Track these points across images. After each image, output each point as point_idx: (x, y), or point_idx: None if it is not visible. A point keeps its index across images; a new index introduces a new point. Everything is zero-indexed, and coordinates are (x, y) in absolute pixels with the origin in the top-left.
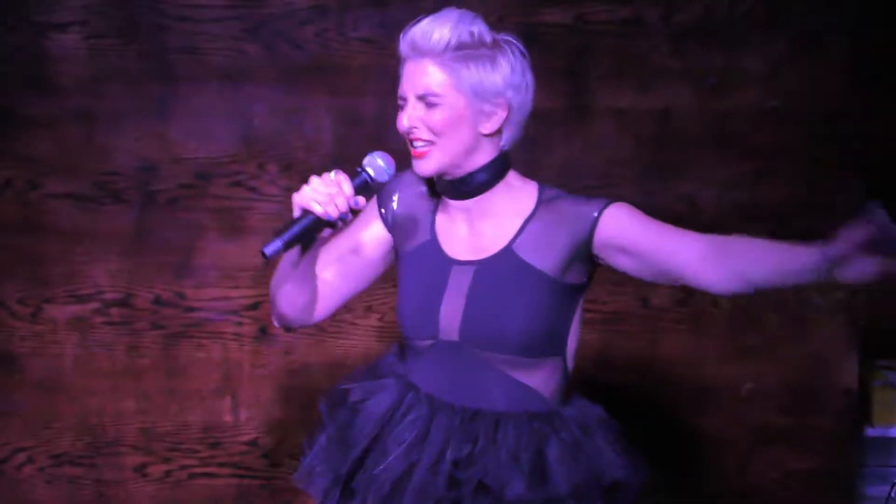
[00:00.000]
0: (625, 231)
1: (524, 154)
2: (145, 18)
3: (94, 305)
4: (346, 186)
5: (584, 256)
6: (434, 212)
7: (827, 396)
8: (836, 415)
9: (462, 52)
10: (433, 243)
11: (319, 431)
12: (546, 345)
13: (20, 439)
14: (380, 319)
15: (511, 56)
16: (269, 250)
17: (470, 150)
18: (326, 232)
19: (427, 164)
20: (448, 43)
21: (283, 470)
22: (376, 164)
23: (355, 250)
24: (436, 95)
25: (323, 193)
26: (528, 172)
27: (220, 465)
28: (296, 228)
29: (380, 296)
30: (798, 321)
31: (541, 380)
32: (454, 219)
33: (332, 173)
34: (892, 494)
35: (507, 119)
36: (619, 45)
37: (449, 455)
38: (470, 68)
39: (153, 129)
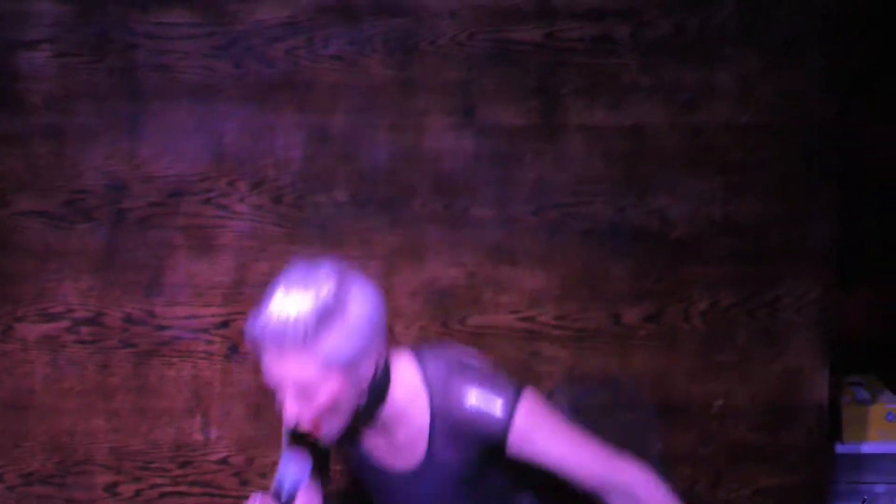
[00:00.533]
0: (534, 451)
1: (497, 170)
2: (115, 36)
3: (65, 324)
4: None
5: (500, 452)
6: (357, 436)
7: (798, 413)
8: (807, 431)
9: (319, 332)
10: (369, 460)
11: None
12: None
13: None
14: None
15: (354, 297)
16: None
17: (355, 402)
18: None
19: (330, 438)
20: (306, 331)
21: (253, 488)
22: (289, 474)
23: None
24: (313, 384)
25: None
26: (500, 190)
27: (191, 483)
28: None
29: None
30: (769, 338)
31: None
32: (373, 438)
33: (251, 498)
34: None
35: (377, 356)
36: (590, 62)
37: None
38: (334, 344)
39: (123, 147)
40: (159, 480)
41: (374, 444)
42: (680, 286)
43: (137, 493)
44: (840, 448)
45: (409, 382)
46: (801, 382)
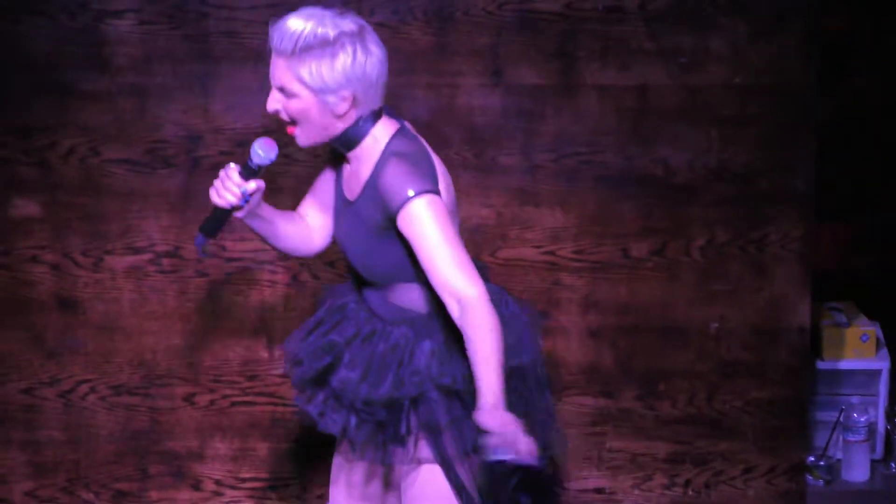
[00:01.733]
0: (411, 234)
1: (522, 124)
2: (190, 6)
3: (148, 256)
4: (235, 176)
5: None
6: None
7: (783, 334)
8: (791, 350)
9: (306, 52)
10: (339, 181)
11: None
12: (391, 274)
13: (84, 373)
14: None
15: (351, 46)
16: (197, 242)
17: (328, 127)
18: (240, 214)
19: (299, 141)
20: (295, 46)
21: None
22: (256, 152)
23: (321, 188)
24: (290, 89)
25: (219, 187)
26: (525, 141)
27: (257, 394)
28: (210, 221)
29: None
30: (758, 269)
31: (407, 299)
32: (346, 164)
33: (226, 167)
34: (841, 419)
35: (355, 100)
36: (603, 29)
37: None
38: (313, 66)
39: (197, 103)
40: (230, 391)
41: (345, 169)
42: (681, 225)
43: (212, 402)
44: (820, 364)
45: (378, 138)
46: (787, 308)
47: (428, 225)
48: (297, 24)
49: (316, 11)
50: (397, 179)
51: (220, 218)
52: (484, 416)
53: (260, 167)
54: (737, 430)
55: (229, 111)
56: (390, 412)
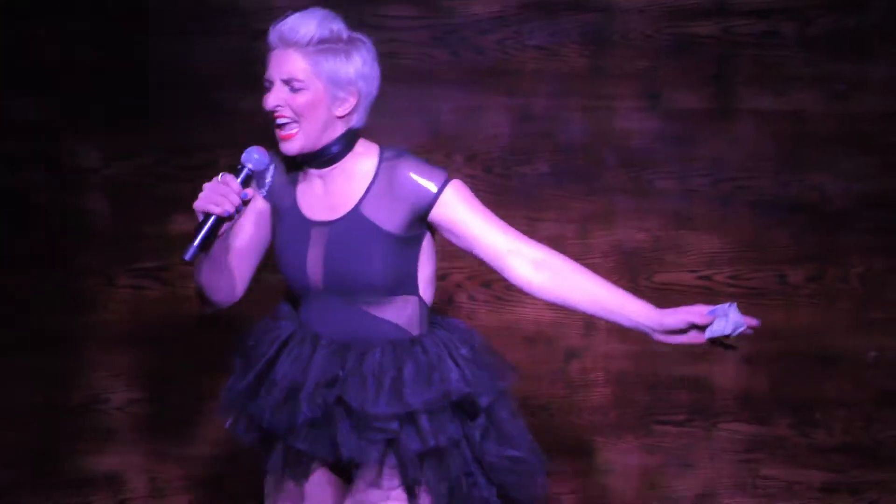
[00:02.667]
0: (456, 217)
1: (678, 148)
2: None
3: None
4: (234, 184)
5: (421, 220)
6: (296, 182)
7: None
8: None
9: (323, 45)
10: (295, 208)
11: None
12: (393, 286)
13: None
14: None
15: (363, 51)
16: (188, 255)
17: (325, 129)
18: (227, 226)
19: (292, 145)
20: (312, 37)
21: None
22: (253, 158)
23: (250, 227)
24: (299, 81)
25: (216, 195)
26: (681, 165)
27: None
28: (203, 231)
29: None
30: None
31: (394, 313)
32: (312, 184)
33: (220, 175)
34: None
35: (356, 104)
36: (760, 54)
37: (320, 379)
38: (328, 59)
39: None
40: None
41: (309, 197)
42: (838, 252)
43: None
44: None
45: (365, 148)
46: None
47: (473, 202)
48: (311, 18)
49: (325, 12)
50: (420, 175)
51: (214, 227)
52: (667, 319)
53: (252, 175)
54: (894, 460)
55: (387, 132)
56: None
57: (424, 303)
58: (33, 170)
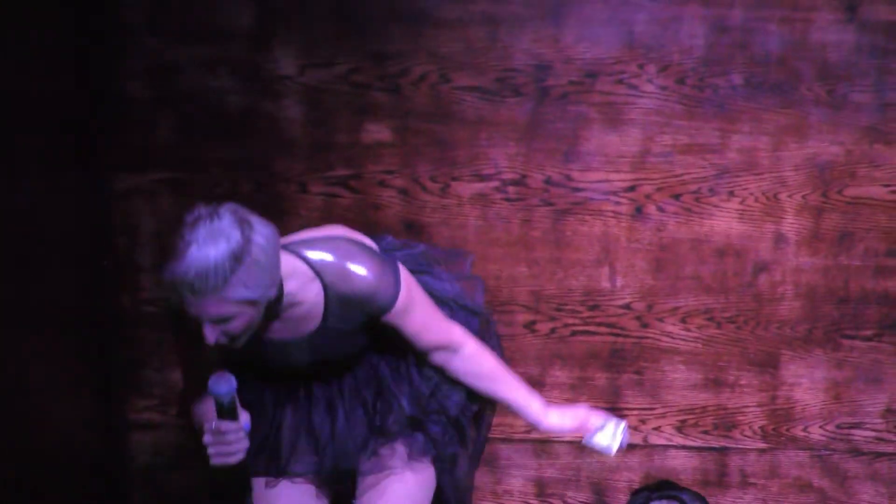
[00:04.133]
0: (399, 326)
1: (875, 60)
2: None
3: (494, 184)
4: (231, 429)
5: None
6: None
7: None
8: None
9: (233, 279)
10: (259, 344)
11: None
12: (366, 349)
13: None
14: (741, 203)
15: (263, 244)
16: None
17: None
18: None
19: (238, 345)
20: (223, 281)
21: (652, 331)
22: (223, 388)
23: None
24: (228, 315)
25: (225, 449)
26: (878, 78)
27: (598, 324)
28: (232, 478)
29: (741, 182)
30: None
31: (369, 365)
32: (269, 326)
33: (213, 427)
34: None
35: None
36: None
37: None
38: (247, 286)
39: (548, 33)
40: (571, 320)
41: (272, 329)
42: None
43: (552, 330)
44: None
45: (298, 273)
46: None
47: (412, 314)
48: (212, 257)
49: (200, 233)
50: (366, 291)
51: (240, 471)
52: (550, 422)
53: (233, 399)
54: None
55: (579, 41)
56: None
57: None
58: (229, 76)
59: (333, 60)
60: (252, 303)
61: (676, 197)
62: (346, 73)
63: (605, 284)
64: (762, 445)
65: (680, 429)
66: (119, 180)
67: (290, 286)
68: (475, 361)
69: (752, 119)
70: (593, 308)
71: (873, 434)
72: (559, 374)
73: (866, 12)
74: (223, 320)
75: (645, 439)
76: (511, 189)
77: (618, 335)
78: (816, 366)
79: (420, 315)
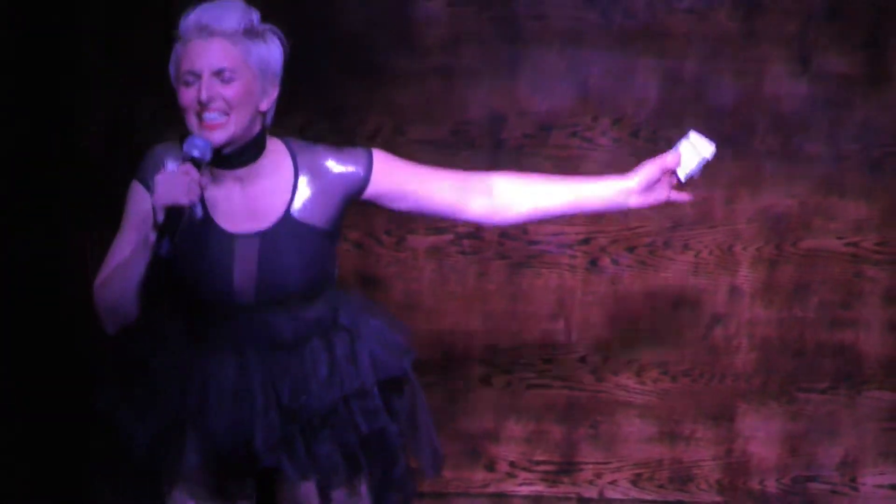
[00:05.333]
0: (392, 185)
1: (828, 113)
2: None
3: (449, 237)
4: (194, 173)
5: (351, 204)
6: (204, 189)
7: None
8: None
9: (250, 33)
10: (209, 220)
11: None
12: (324, 284)
13: None
14: (695, 255)
15: (280, 43)
16: (164, 250)
17: (251, 123)
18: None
19: (222, 134)
20: (238, 25)
21: (607, 384)
22: (198, 146)
23: (136, 235)
24: (232, 71)
25: (182, 187)
26: (831, 130)
27: (554, 377)
28: (173, 225)
29: (696, 234)
30: None
31: (320, 308)
32: (228, 191)
33: (180, 165)
34: None
35: (276, 98)
36: None
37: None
38: (258, 47)
39: (503, 86)
40: (526, 374)
41: (224, 205)
42: None
43: (508, 384)
44: None
45: (274, 147)
46: None
47: (401, 165)
48: (232, 5)
49: (243, 3)
50: (343, 162)
51: (178, 220)
52: (637, 175)
53: (200, 164)
54: None
55: (534, 94)
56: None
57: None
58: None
59: (288, 114)
60: (256, 68)
61: (631, 250)
62: (301, 125)
63: (561, 337)
64: (718, 499)
65: (636, 482)
66: (76, 237)
67: (267, 147)
68: (519, 180)
69: (706, 171)
70: (548, 361)
71: (829, 487)
72: (514, 428)
73: (819, 64)
74: (223, 79)
75: (601, 493)
76: (466, 242)
77: (573, 388)
78: (772, 418)
79: (409, 169)
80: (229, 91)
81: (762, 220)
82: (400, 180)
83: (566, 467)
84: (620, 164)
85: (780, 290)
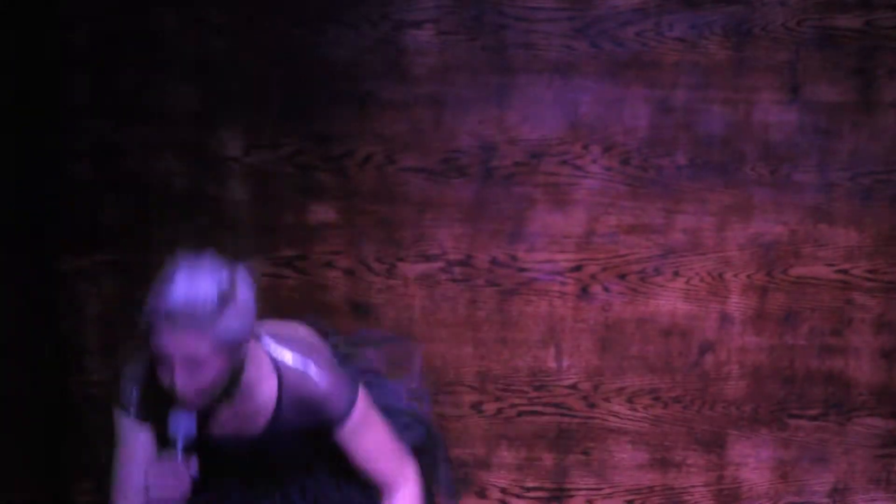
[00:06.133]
0: (350, 447)
1: (818, 141)
2: (488, 18)
3: (440, 265)
4: (182, 472)
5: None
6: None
7: None
8: None
9: (217, 315)
10: (211, 433)
11: None
12: (308, 461)
13: None
14: (686, 283)
15: (247, 294)
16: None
17: (225, 379)
18: None
19: (198, 403)
20: (208, 316)
21: (598, 410)
22: (185, 426)
23: (144, 463)
24: (204, 358)
25: (173, 487)
26: (821, 158)
27: (545, 405)
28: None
29: (687, 262)
30: None
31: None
32: (219, 410)
33: (170, 460)
34: None
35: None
36: None
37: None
38: (227, 331)
39: (493, 114)
40: (517, 401)
41: (220, 418)
42: None
43: (499, 411)
44: None
45: (259, 362)
46: None
47: (366, 434)
48: (201, 290)
49: (189, 271)
50: (322, 396)
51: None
52: None
53: (189, 441)
54: None
55: (524, 122)
56: None
57: None
58: (174, 157)
59: (279, 142)
60: (229, 350)
61: (622, 277)
62: (291, 154)
63: (552, 364)
64: None
65: None
66: (63, 262)
67: (250, 373)
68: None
69: (697, 199)
70: (540, 388)
71: None
72: (506, 455)
73: (808, 93)
74: (196, 365)
75: None
76: (457, 269)
77: (564, 415)
78: (763, 445)
79: (374, 438)
80: (202, 378)
81: (753, 247)
82: (360, 444)
83: (558, 494)
84: (611, 192)
85: (770, 318)
